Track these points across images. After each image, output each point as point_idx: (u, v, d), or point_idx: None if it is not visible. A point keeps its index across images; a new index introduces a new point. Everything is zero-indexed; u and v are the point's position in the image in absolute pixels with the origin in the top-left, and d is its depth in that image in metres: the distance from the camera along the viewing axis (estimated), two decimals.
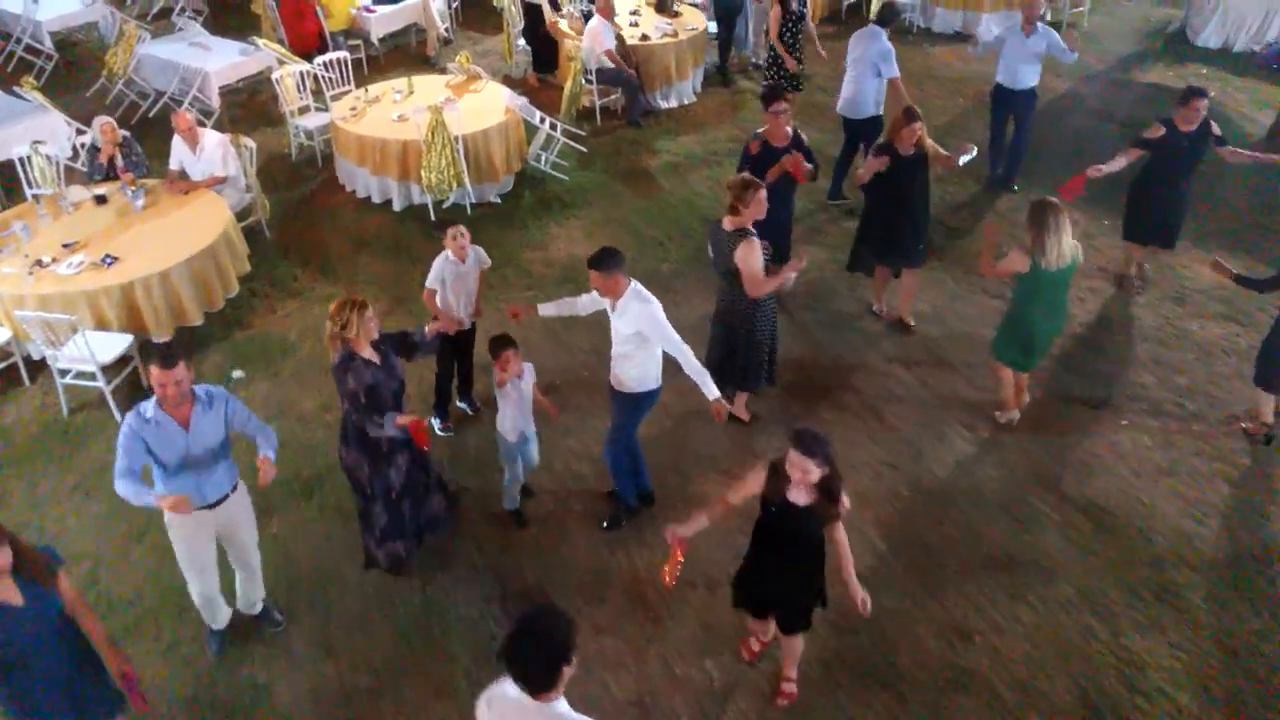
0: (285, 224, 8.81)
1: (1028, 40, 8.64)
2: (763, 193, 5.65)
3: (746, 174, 5.76)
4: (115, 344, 6.48)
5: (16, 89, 9.28)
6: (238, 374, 6.95)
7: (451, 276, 5.93)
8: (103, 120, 7.81)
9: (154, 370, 4.13)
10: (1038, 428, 6.46)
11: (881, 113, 8.53)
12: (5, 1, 12.01)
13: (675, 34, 10.96)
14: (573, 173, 9.68)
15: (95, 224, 7.28)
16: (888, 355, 7.17)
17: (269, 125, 10.54)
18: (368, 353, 4.80)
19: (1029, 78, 8.78)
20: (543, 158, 9.60)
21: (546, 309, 5.61)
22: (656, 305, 5.01)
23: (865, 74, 8.38)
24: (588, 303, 5.49)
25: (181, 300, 6.92)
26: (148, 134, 10.02)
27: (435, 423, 6.47)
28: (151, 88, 10.75)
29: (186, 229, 7.22)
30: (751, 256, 5.60)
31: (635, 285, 5.05)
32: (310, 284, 7.99)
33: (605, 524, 5.73)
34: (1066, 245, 5.64)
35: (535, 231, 8.75)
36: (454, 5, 13.11)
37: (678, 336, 5.03)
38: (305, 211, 9.08)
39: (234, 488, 4.64)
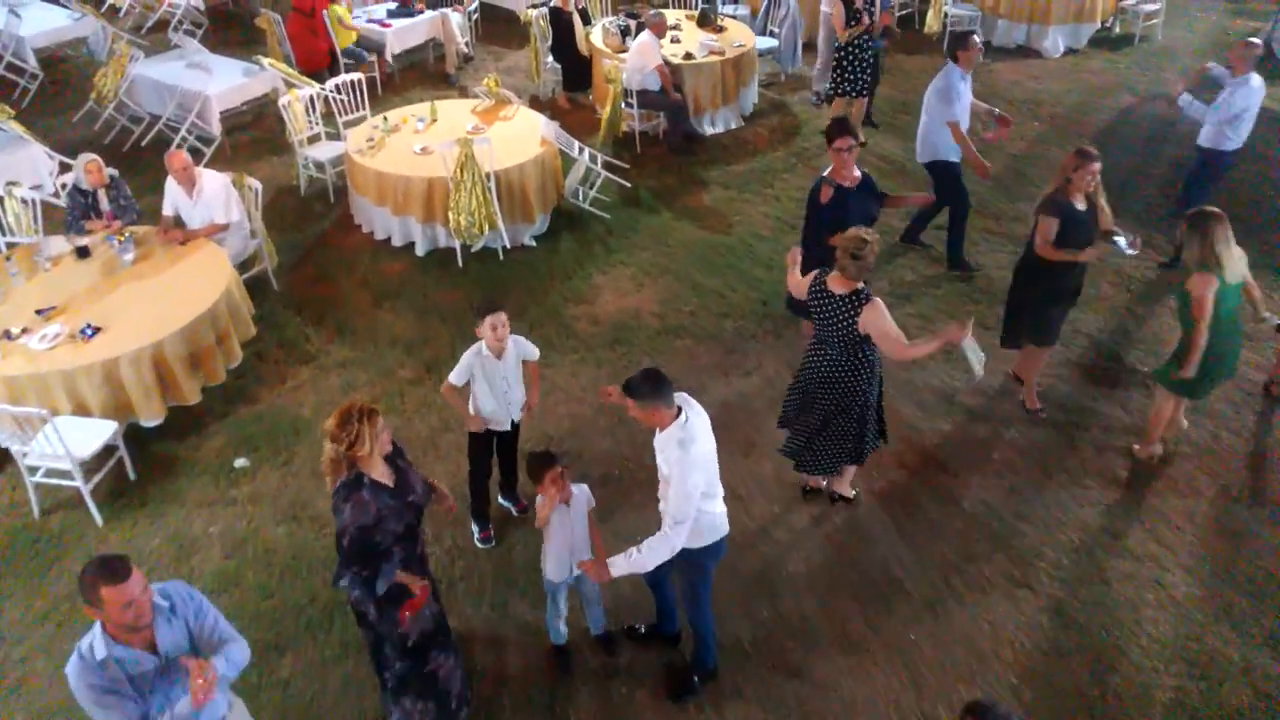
0: (295, 272, 7.78)
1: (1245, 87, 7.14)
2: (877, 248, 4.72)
3: (864, 231, 4.73)
4: (95, 435, 5.45)
5: None
6: (241, 462, 5.92)
7: (485, 373, 4.91)
8: (88, 158, 6.78)
9: (104, 591, 2.94)
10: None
11: (956, 159, 7.28)
12: None
13: (722, 51, 9.93)
14: (615, 209, 8.65)
15: (75, 283, 6.26)
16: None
17: (275, 154, 9.52)
18: (380, 472, 3.76)
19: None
20: (581, 193, 8.57)
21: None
22: (696, 453, 3.92)
23: (933, 114, 7.21)
24: None
25: (175, 376, 5.90)
26: (140, 165, 9.05)
27: (474, 530, 5.44)
28: (145, 112, 9.73)
29: (182, 289, 6.20)
30: (882, 320, 4.67)
31: (685, 420, 3.94)
32: (324, 346, 6.95)
33: (675, 693, 4.66)
34: (1237, 252, 5.14)
35: (578, 281, 7.72)
36: (474, 18, 12.07)
37: (691, 507, 3.90)
38: (317, 257, 8.04)
39: (229, 707, 3.52)
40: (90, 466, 5.49)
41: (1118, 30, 12.54)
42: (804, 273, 5.08)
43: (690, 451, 3.89)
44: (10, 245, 7.07)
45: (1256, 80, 7.09)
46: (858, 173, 6.02)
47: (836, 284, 4.77)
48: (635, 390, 3.90)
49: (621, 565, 3.94)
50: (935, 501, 5.65)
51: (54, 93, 10.78)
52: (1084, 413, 6.30)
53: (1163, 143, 9.68)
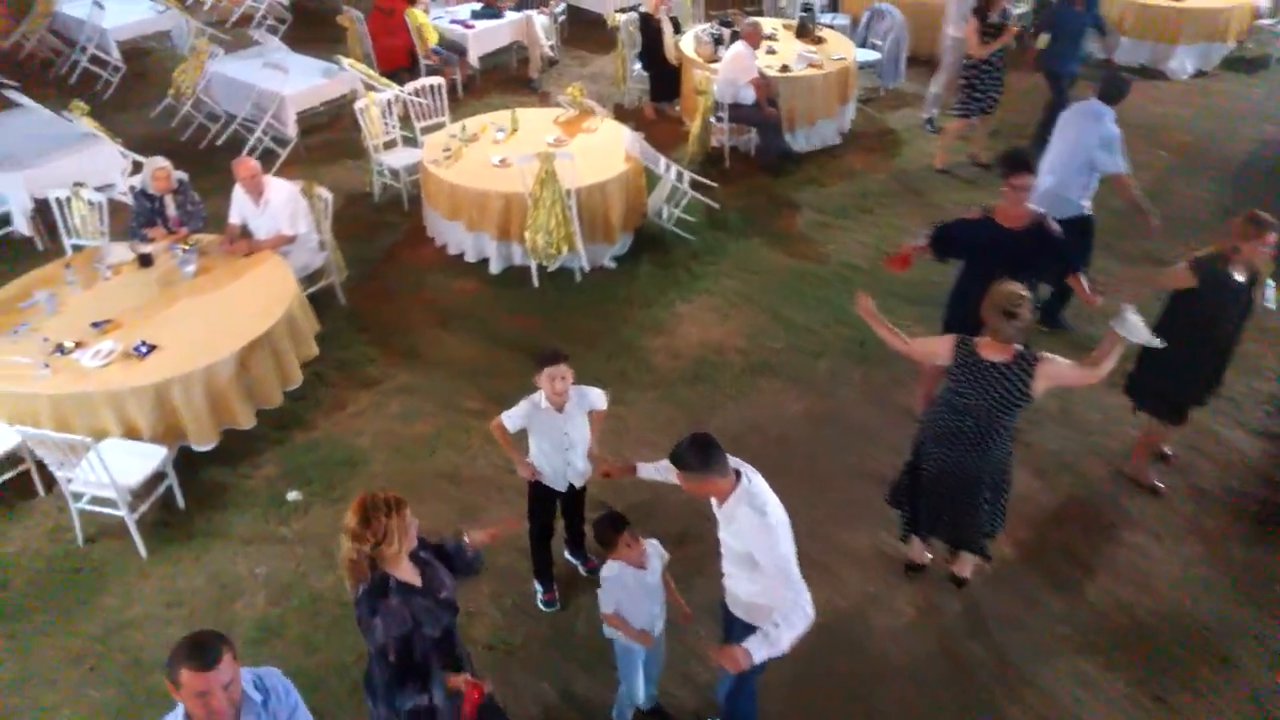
0: (363, 287, 7.40)
1: None
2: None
3: (1016, 285, 4.12)
4: (143, 463, 5.11)
5: (66, 114, 8.04)
6: (293, 496, 5.54)
7: (542, 428, 4.42)
8: (156, 163, 6.47)
9: (185, 674, 2.55)
10: None
11: (1089, 211, 6.50)
12: (71, 7, 10.92)
13: (820, 64, 9.31)
14: (701, 231, 8.11)
15: (134, 295, 5.95)
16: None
17: (351, 158, 9.19)
18: (406, 571, 3.23)
19: None
20: (665, 212, 8.06)
21: (647, 470, 4.06)
22: (775, 517, 3.40)
23: (1075, 162, 6.35)
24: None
25: (230, 399, 5.54)
26: (214, 165, 8.74)
27: (537, 590, 4.96)
28: (222, 110, 9.50)
29: (242, 306, 5.85)
30: (1061, 368, 4.10)
31: (748, 482, 3.43)
32: (387, 370, 6.55)
33: None
34: None
35: (658, 309, 7.20)
36: (560, 20, 11.64)
37: (795, 570, 3.39)
38: (387, 271, 7.66)
39: None
40: (137, 493, 5.15)
41: (1252, 51, 11.57)
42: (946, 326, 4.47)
43: (769, 515, 3.39)
44: (76, 248, 6.83)
45: None
46: (1030, 216, 5.17)
47: (992, 351, 4.12)
48: (683, 462, 3.41)
49: (759, 648, 3.28)
50: (1056, 590, 4.99)
51: (135, 86, 10.64)
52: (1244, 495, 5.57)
53: None
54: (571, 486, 4.66)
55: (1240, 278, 4.81)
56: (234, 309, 5.83)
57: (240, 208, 6.54)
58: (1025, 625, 4.80)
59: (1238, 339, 5.10)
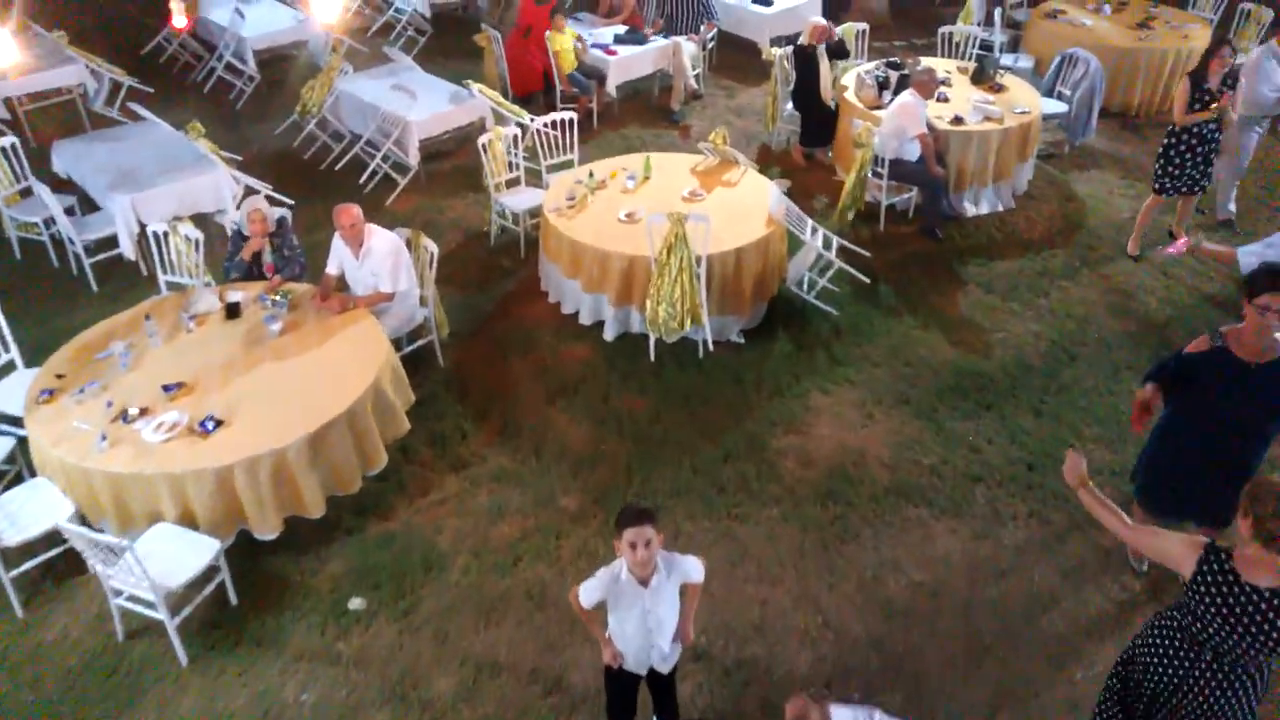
0: (466, 345, 6.75)
1: None
2: None
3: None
4: (193, 557, 4.54)
5: (186, 132, 7.69)
6: (356, 604, 4.88)
7: (622, 603, 3.60)
8: (252, 205, 5.99)
9: None
10: None
11: None
12: (214, 12, 10.75)
13: (1000, 118, 8.15)
14: (846, 304, 7.12)
15: (213, 353, 5.42)
16: None
17: (474, 190, 8.56)
18: None
19: None
20: (807, 281, 7.10)
21: (843, 717, 3.05)
22: None
23: None
24: None
25: (298, 488, 4.93)
26: (331, 187, 8.36)
27: None
28: (348, 130, 9.06)
29: (325, 377, 5.24)
30: None
31: None
32: (482, 450, 5.85)
33: None
34: None
35: (791, 400, 6.26)
36: (709, 47, 10.79)
37: None
38: (494, 328, 6.97)
39: None
40: (183, 592, 4.58)
41: None
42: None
43: None
44: (171, 285, 6.41)
45: None
46: (1276, 346, 4.05)
47: (1258, 570, 3.03)
48: None
49: None
50: None
51: (269, 97, 10.36)
52: None
53: None
54: (654, 670, 3.82)
55: None
56: (316, 379, 5.22)
57: (339, 257, 5.97)
58: None
59: None
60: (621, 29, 10.23)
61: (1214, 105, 6.80)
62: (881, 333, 6.88)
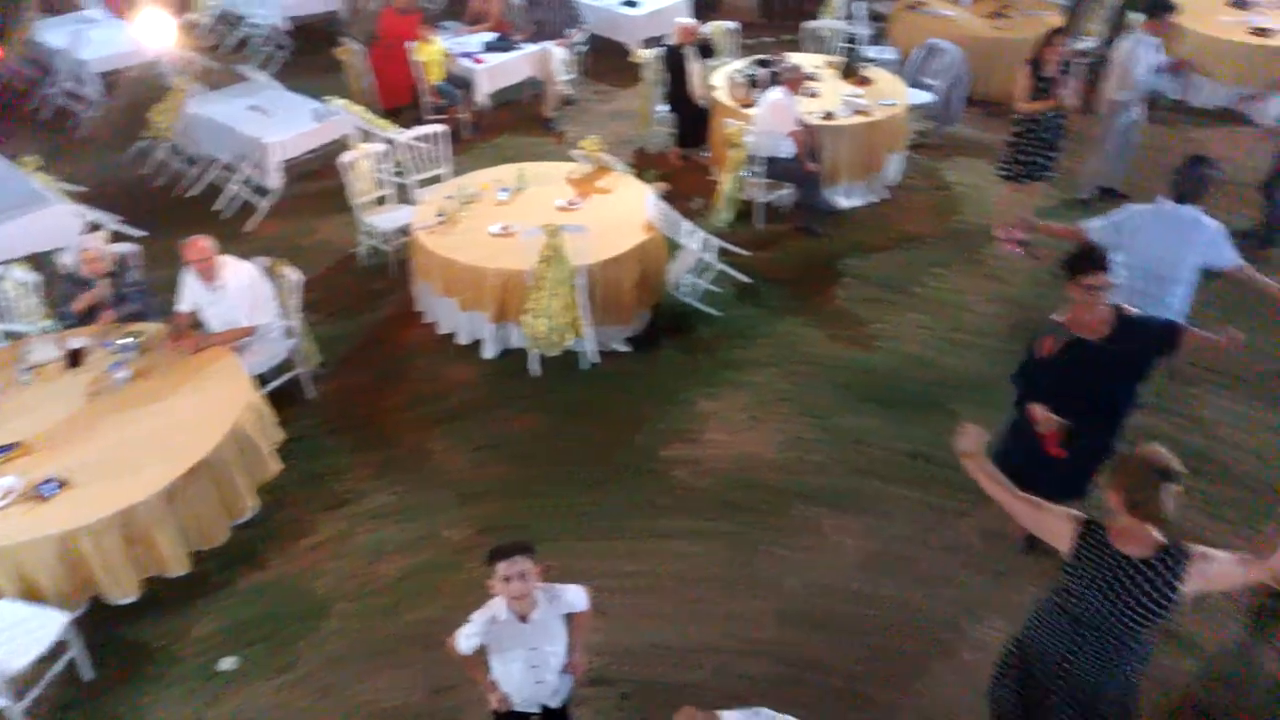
0: (339, 375, 6.44)
1: None
2: None
3: (1160, 450, 3.11)
4: (36, 634, 4.17)
5: (19, 166, 7.15)
6: (228, 664, 4.57)
7: (502, 644, 3.44)
8: (86, 245, 5.56)
9: None
10: None
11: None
12: (49, 34, 10.07)
13: (869, 110, 8.24)
14: (729, 305, 7.08)
15: (53, 407, 5.01)
16: None
17: (343, 211, 8.15)
18: None
19: None
20: (688, 284, 7.02)
21: None
22: None
23: (1177, 277, 5.17)
24: None
25: (156, 545, 4.58)
26: (183, 218, 7.87)
27: None
28: (203, 154, 8.58)
29: (181, 423, 4.89)
30: (1218, 569, 3.11)
31: None
32: (359, 487, 5.58)
33: None
34: None
35: (679, 408, 6.17)
36: (581, 52, 10.63)
37: None
38: (368, 354, 6.68)
39: None
40: (28, 675, 4.18)
41: None
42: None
43: None
44: (9, 335, 5.91)
45: None
46: (1109, 318, 4.21)
47: (1129, 540, 3.12)
48: None
49: None
50: None
51: (116, 122, 9.74)
52: None
53: None
54: (547, 708, 3.66)
55: None
56: (170, 427, 4.87)
57: (191, 294, 5.60)
58: None
59: None
60: (490, 36, 9.99)
61: (1052, 96, 6.93)
62: (765, 332, 6.85)
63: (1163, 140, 8.73)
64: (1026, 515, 3.43)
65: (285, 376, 6.03)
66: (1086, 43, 9.78)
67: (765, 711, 2.87)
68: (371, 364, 6.57)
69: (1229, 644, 4.64)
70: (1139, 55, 7.66)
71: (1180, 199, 5.18)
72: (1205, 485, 5.44)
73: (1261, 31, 9.85)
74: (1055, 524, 3.29)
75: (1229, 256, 5.16)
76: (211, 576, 4.96)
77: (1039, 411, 4.32)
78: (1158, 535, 3.10)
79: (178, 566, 4.70)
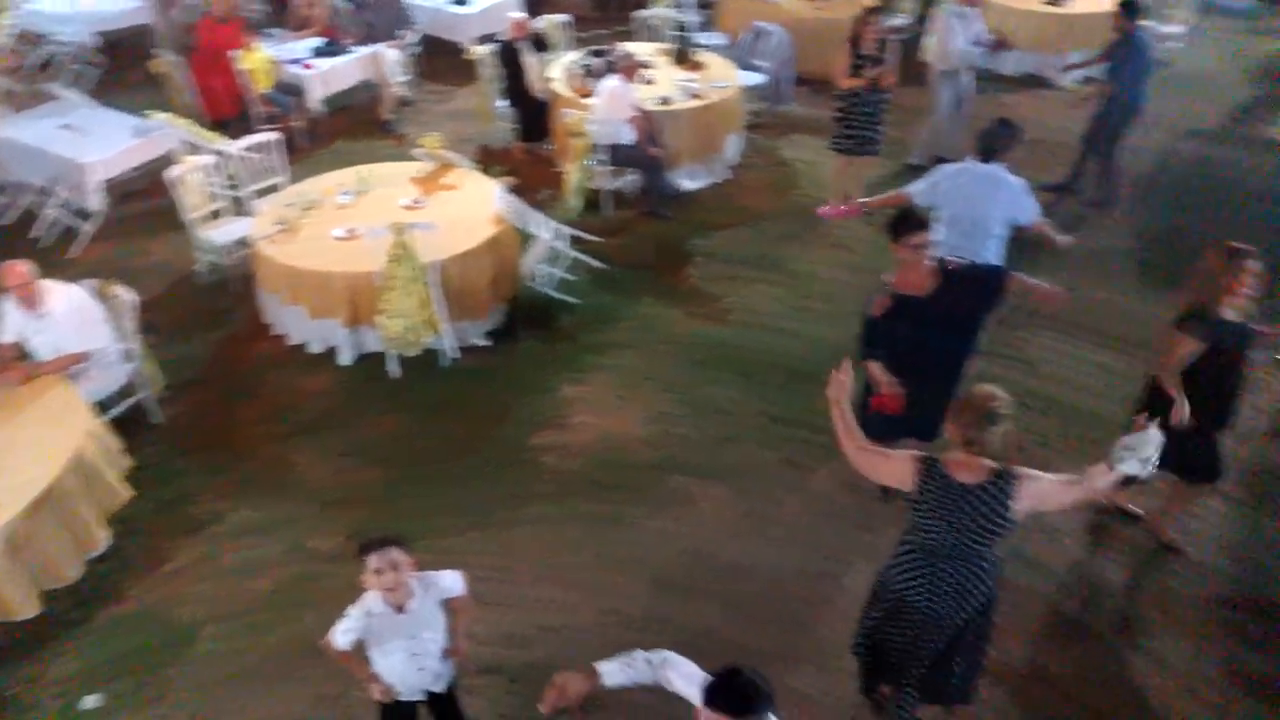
0: (186, 397, 6.18)
1: None
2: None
3: (992, 389, 3.39)
4: None
5: None
6: (91, 701, 4.34)
7: (381, 637, 3.42)
8: None
9: None
10: None
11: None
12: None
13: (704, 94, 8.48)
14: (586, 292, 7.16)
15: None
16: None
17: (176, 229, 7.79)
18: None
19: None
20: (543, 275, 7.07)
21: (616, 676, 2.98)
22: None
23: (989, 231, 5.49)
24: (686, 685, 2.91)
25: (0, 589, 4.31)
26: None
27: None
28: (12, 179, 8.05)
29: (14, 459, 4.60)
30: (1045, 484, 3.40)
31: None
32: (218, 507, 5.38)
33: None
34: None
35: (543, 396, 6.21)
36: (414, 53, 10.50)
37: None
38: (216, 373, 6.44)
39: None
40: None
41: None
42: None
43: None
44: None
45: None
46: (934, 273, 4.48)
47: (964, 470, 3.38)
48: (732, 710, 2.51)
49: None
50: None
51: None
52: None
53: (1214, 194, 8.38)
54: (432, 693, 3.66)
55: (1233, 318, 4.26)
56: (3, 465, 4.57)
57: (12, 323, 5.26)
58: None
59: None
60: (318, 41, 9.74)
61: (867, 72, 7.28)
62: (624, 315, 6.96)
63: (980, 109, 9.29)
64: (873, 463, 3.66)
65: (127, 402, 5.75)
66: (900, 19, 10.34)
67: (639, 653, 2.95)
68: (221, 382, 6.33)
69: (1073, 562, 5.03)
70: (954, 27, 8.17)
71: (986, 157, 5.57)
72: (1035, 418, 5.89)
73: (1054, 1, 10.64)
74: (898, 466, 3.53)
75: (1030, 210, 5.55)
76: (66, 616, 4.69)
77: (875, 370, 4.57)
78: (988, 463, 3.37)
79: (26, 609, 4.43)
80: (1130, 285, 7.22)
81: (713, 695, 2.54)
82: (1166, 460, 4.63)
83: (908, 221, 4.47)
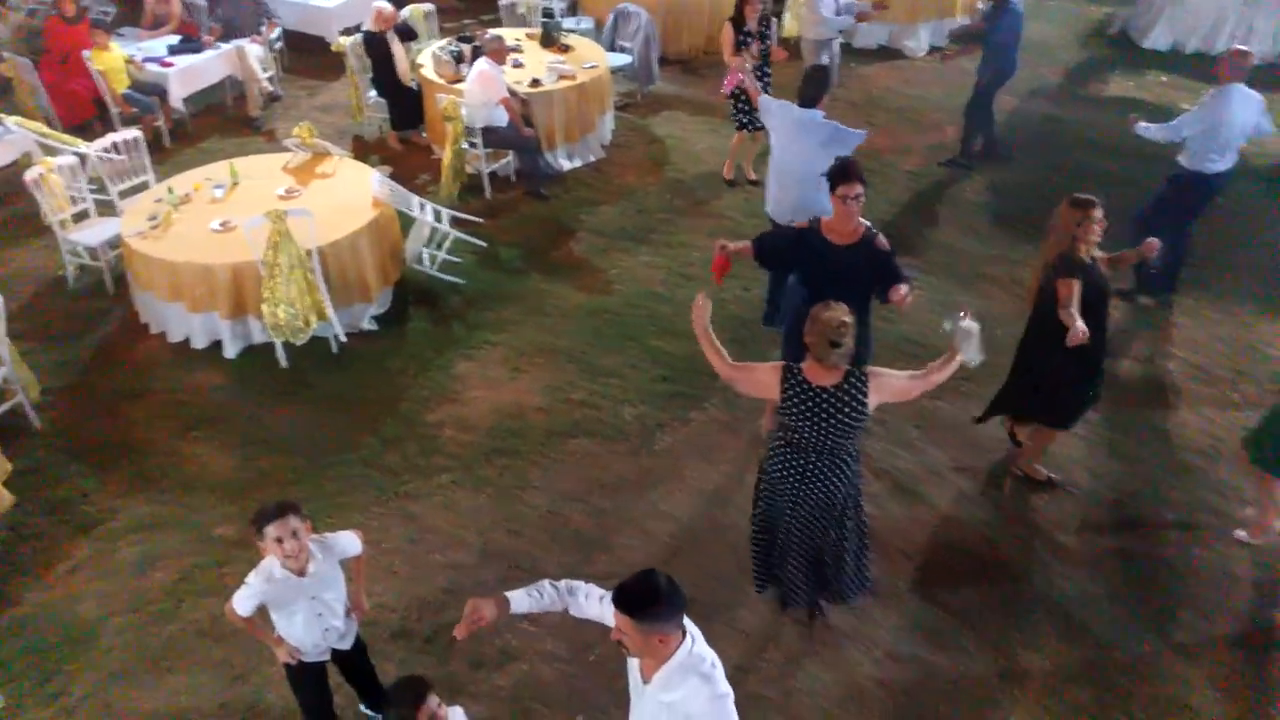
0: (66, 402, 6.02)
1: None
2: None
3: (841, 311, 3.75)
4: None
5: None
6: None
7: (285, 600, 3.52)
8: None
9: None
10: None
11: None
12: None
13: (573, 75, 8.66)
14: (472, 273, 7.26)
15: None
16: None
17: (37, 236, 7.57)
18: None
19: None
20: (427, 257, 7.14)
21: (523, 603, 3.15)
22: (724, 685, 2.76)
23: (817, 167, 5.55)
24: (593, 605, 3.12)
25: None
26: None
27: None
28: None
29: None
30: (892, 379, 3.88)
31: (693, 643, 2.76)
32: (112, 504, 5.29)
33: None
34: None
35: (437, 373, 6.30)
36: (278, 48, 10.34)
37: None
38: (97, 376, 6.28)
39: None
40: None
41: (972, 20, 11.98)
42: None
43: (717, 683, 2.73)
44: None
45: (1239, 93, 6.19)
46: (859, 229, 4.79)
47: (821, 376, 3.78)
48: (645, 608, 2.67)
49: None
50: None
51: None
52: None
53: (1061, 148, 9.03)
54: (339, 653, 3.76)
55: (1088, 261, 4.68)
56: None
57: None
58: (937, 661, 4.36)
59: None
60: (175, 39, 9.51)
61: (747, 51, 7.59)
62: (511, 293, 7.09)
63: (841, 81, 9.75)
64: (742, 378, 4.01)
65: (2, 408, 5.58)
66: None
67: (545, 582, 3.12)
68: (104, 384, 6.18)
69: (957, 497, 5.42)
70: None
71: (804, 103, 5.92)
72: (908, 362, 6.26)
73: None
74: (764, 377, 3.91)
75: (850, 144, 5.82)
76: None
77: (732, 247, 4.88)
78: (843, 369, 3.78)
79: None
80: (986, 234, 7.75)
81: (623, 595, 2.70)
82: (1034, 408, 5.14)
83: (842, 172, 4.69)
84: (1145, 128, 6.47)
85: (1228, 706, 4.30)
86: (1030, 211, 7.35)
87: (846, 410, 3.78)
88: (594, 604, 3.08)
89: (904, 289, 4.60)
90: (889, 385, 3.83)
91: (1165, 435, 5.78)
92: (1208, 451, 5.64)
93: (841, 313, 3.72)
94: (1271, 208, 8.00)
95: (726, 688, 2.75)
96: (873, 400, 3.79)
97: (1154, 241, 4.92)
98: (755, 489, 4.32)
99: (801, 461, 3.96)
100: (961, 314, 3.91)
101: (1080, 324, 4.43)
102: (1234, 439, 5.50)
